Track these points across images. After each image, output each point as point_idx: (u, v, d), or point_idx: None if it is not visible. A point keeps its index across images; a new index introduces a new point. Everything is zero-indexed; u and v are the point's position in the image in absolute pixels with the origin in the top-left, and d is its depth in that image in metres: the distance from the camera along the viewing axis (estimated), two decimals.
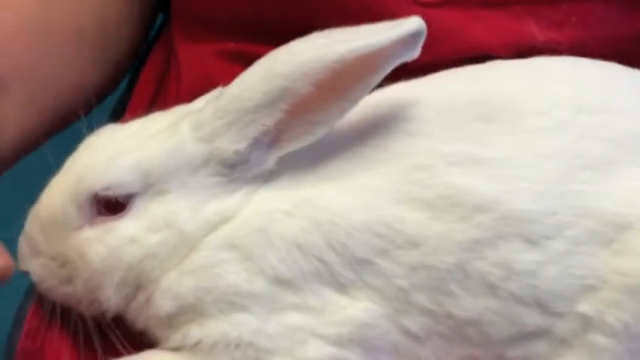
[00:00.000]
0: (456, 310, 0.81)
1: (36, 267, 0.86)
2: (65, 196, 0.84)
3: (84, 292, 0.84)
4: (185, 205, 0.83)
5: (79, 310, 0.86)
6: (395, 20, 0.81)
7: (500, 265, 0.80)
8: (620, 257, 0.80)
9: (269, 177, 0.84)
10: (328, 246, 0.81)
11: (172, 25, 1.06)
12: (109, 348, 0.85)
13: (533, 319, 0.81)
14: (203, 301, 0.82)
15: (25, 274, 0.86)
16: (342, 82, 0.80)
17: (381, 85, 0.84)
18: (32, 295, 0.94)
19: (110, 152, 0.84)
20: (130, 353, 0.85)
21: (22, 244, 0.86)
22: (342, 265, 0.81)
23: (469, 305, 0.81)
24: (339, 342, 0.82)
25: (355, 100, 0.82)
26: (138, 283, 0.83)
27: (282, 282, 0.82)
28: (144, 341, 0.86)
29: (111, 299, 0.84)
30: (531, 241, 0.80)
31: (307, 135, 0.82)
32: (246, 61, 0.84)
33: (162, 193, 0.83)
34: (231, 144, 0.82)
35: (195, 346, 0.83)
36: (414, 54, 0.81)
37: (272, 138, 0.82)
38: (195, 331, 0.83)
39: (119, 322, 0.86)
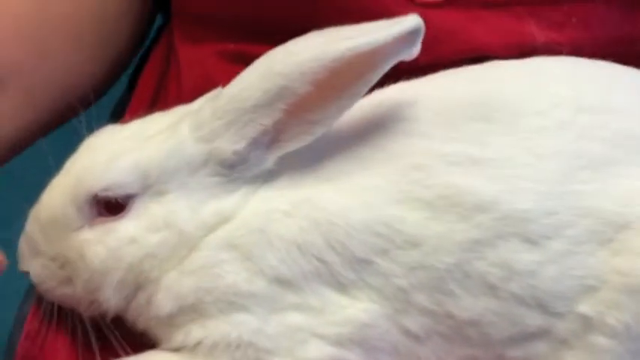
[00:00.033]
0: (456, 310, 0.81)
1: (36, 267, 0.86)
2: (65, 197, 0.84)
3: (84, 292, 0.84)
4: (184, 206, 0.83)
5: (79, 311, 0.86)
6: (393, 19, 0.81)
7: (500, 265, 0.80)
8: (619, 257, 0.80)
9: (268, 177, 0.84)
10: (328, 246, 0.81)
11: (172, 25, 1.06)
12: (108, 349, 0.85)
13: (533, 319, 0.81)
14: (203, 301, 0.82)
15: (25, 275, 0.87)
16: (340, 80, 0.80)
17: (381, 85, 0.84)
18: (32, 296, 0.94)
19: (109, 153, 0.84)
20: (128, 354, 0.85)
21: (22, 244, 0.87)
22: (342, 264, 0.81)
23: (469, 305, 0.81)
24: (339, 342, 0.82)
25: (354, 99, 0.82)
26: (138, 284, 0.83)
27: (282, 282, 0.82)
28: (144, 342, 0.86)
29: (111, 300, 0.84)
30: (531, 241, 0.80)
31: (306, 134, 0.82)
32: (246, 61, 0.84)
33: (161, 193, 0.83)
34: (230, 144, 0.82)
35: (195, 347, 0.83)
36: (413, 52, 0.81)
37: (271, 138, 0.82)
38: (195, 332, 0.83)
39: (119, 323, 0.86)
